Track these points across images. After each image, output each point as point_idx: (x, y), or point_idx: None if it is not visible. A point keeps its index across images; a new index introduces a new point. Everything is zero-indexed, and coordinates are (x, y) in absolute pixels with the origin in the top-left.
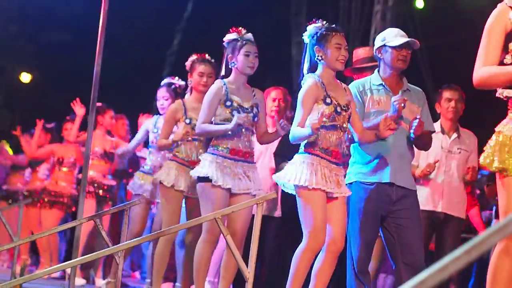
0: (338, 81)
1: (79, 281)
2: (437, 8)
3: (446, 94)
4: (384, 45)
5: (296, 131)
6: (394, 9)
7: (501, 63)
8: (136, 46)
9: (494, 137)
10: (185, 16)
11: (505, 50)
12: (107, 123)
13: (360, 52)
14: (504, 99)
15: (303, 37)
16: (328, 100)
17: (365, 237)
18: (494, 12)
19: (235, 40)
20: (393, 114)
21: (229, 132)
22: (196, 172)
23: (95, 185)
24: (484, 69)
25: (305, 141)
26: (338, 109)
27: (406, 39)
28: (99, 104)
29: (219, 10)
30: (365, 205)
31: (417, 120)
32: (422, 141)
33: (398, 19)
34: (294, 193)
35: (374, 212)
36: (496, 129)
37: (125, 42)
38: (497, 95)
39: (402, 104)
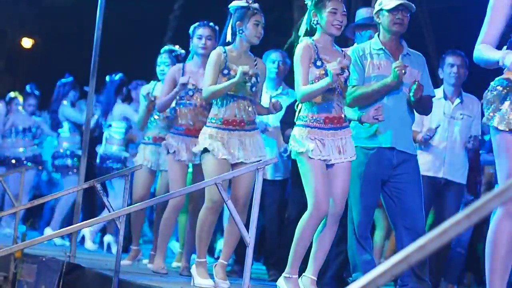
0: (336, 47)
1: (91, 245)
2: None
3: (449, 59)
4: (381, 9)
5: (309, 88)
6: None
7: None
8: (137, 10)
9: (499, 95)
10: None
11: (511, 25)
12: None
13: (363, 12)
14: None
15: (305, 1)
16: (318, 63)
17: (365, 202)
18: None
19: (245, 7)
20: (380, 105)
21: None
22: (195, 148)
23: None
24: (478, 48)
25: (300, 112)
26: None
27: (400, 1)
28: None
29: None
30: (366, 169)
31: (416, 83)
32: (422, 105)
33: None
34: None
35: (375, 176)
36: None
37: (126, 5)
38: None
39: (403, 71)
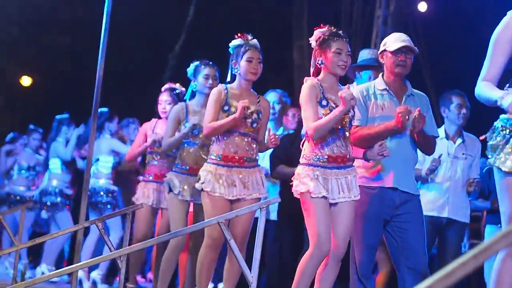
0: (341, 86)
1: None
2: (440, 12)
3: (458, 100)
4: (385, 50)
5: (321, 121)
6: (396, 14)
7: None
8: (138, 50)
9: (504, 136)
10: (187, 21)
11: None
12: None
13: (365, 53)
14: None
15: (306, 41)
16: (324, 103)
17: (367, 241)
18: (502, 21)
19: (239, 46)
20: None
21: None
22: (197, 185)
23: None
24: (480, 86)
25: (304, 151)
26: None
27: (403, 44)
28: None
29: (221, 15)
30: (368, 209)
31: (417, 113)
32: (426, 144)
33: (399, 23)
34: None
35: (377, 216)
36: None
37: (127, 45)
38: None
39: (407, 116)
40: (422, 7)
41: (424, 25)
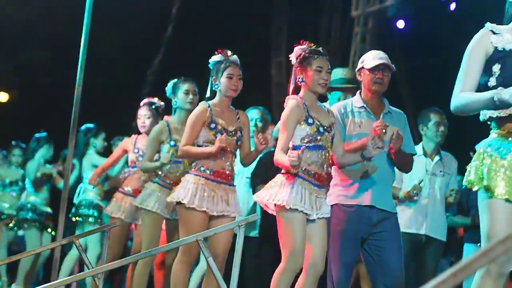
0: (319, 103)
1: None
2: (418, 29)
3: (436, 117)
4: (363, 67)
5: (280, 158)
6: (374, 31)
7: (485, 85)
8: (117, 65)
9: (478, 156)
10: (166, 37)
11: (488, 73)
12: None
13: (337, 72)
14: (488, 121)
15: (284, 58)
16: (310, 121)
17: (345, 259)
18: (476, 37)
19: (219, 62)
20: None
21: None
22: (172, 197)
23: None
24: (461, 96)
25: None
26: (321, 129)
27: (380, 61)
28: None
29: (199, 30)
30: (345, 227)
31: (395, 134)
32: (403, 162)
33: (378, 41)
34: (274, 213)
35: (354, 234)
36: (478, 148)
37: (105, 60)
38: (481, 118)
39: (384, 130)
40: (400, 24)
41: (402, 42)
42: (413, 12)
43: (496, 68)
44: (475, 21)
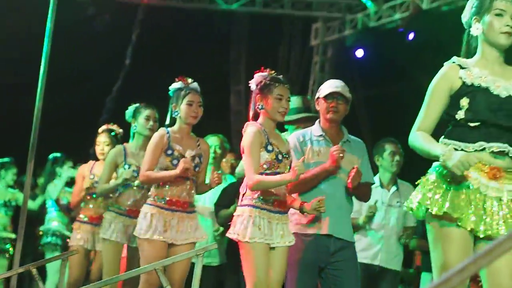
0: (277, 131)
1: None
2: (376, 59)
3: (391, 147)
4: (319, 97)
5: (266, 181)
6: (333, 60)
7: (453, 117)
8: (75, 92)
9: (433, 183)
10: (125, 64)
11: (456, 106)
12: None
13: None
14: None
15: (243, 86)
16: (269, 148)
17: (302, 287)
18: (441, 71)
19: (180, 89)
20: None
21: (168, 183)
22: (135, 230)
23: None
24: (416, 135)
25: (245, 192)
26: (280, 156)
27: (334, 90)
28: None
29: (159, 58)
30: (303, 256)
31: (355, 169)
32: (361, 191)
33: (337, 69)
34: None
35: (312, 263)
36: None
37: (63, 86)
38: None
39: (341, 154)
40: (359, 53)
41: (361, 71)
42: (371, 42)
43: (465, 102)
44: (433, 51)
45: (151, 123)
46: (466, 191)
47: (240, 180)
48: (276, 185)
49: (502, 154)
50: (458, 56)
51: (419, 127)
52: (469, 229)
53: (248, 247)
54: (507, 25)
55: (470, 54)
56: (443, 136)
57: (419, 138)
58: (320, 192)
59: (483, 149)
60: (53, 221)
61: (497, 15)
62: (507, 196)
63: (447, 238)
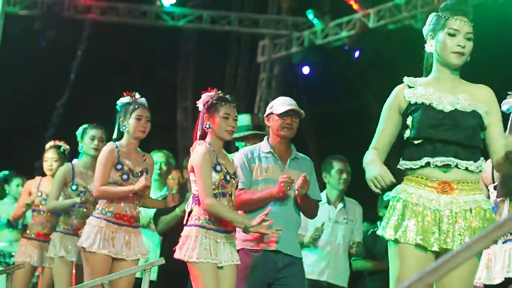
0: (223, 150)
1: None
2: (322, 76)
3: (338, 165)
4: (271, 113)
5: (218, 209)
6: (280, 77)
7: (402, 137)
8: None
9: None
10: (70, 79)
11: (405, 127)
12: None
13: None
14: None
15: (190, 103)
16: (218, 168)
17: None
18: (393, 92)
19: (128, 103)
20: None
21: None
22: (79, 242)
23: None
24: (367, 153)
25: (190, 211)
26: (228, 177)
27: (290, 107)
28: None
29: (105, 74)
30: (251, 272)
31: (302, 178)
32: (309, 206)
33: (283, 86)
34: None
35: (261, 279)
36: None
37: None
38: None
39: (289, 187)
40: (306, 70)
41: (307, 88)
42: (318, 59)
43: (409, 121)
44: (378, 70)
45: (95, 142)
46: (423, 210)
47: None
48: (228, 217)
49: (449, 167)
50: (408, 74)
51: (374, 146)
52: (431, 248)
53: (196, 268)
54: (459, 45)
55: (427, 70)
56: (401, 159)
57: (367, 156)
58: (268, 208)
59: (428, 164)
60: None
61: (450, 34)
62: (463, 206)
63: (405, 257)
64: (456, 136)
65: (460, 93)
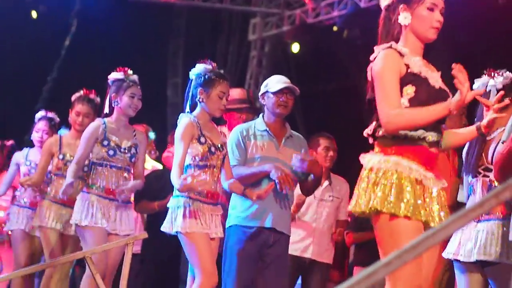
0: (213, 123)
1: None
2: (312, 54)
3: (325, 142)
4: (267, 91)
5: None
6: (270, 55)
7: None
8: (10, 81)
9: (376, 178)
10: (62, 54)
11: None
12: None
13: (232, 93)
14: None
15: (180, 79)
16: (202, 140)
17: (241, 279)
18: (386, 56)
19: (121, 80)
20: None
21: (105, 172)
22: (73, 218)
23: None
24: (401, 113)
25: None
26: (212, 149)
27: (285, 85)
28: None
29: (95, 49)
30: (245, 246)
31: (311, 158)
32: (308, 185)
33: (274, 64)
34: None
35: (254, 253)
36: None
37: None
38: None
39: (285, 186)
40: (295, 48)
41: (297, 66)
42: (309, 38)
43: (411, 89)
44: (369, 50)
45: (80, 119)
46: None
47: (164, 169)
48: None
49: (436, 144)
50: None
51: (395, 105)
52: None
53: (188, 237)
54: (438, 21)
55: (386, 39)
56: None
57: (409, 113)
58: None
59: (424, 138)
60: None
61: (429, 8)
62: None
63: (402, 232)
64: None
65: (434, 70)
